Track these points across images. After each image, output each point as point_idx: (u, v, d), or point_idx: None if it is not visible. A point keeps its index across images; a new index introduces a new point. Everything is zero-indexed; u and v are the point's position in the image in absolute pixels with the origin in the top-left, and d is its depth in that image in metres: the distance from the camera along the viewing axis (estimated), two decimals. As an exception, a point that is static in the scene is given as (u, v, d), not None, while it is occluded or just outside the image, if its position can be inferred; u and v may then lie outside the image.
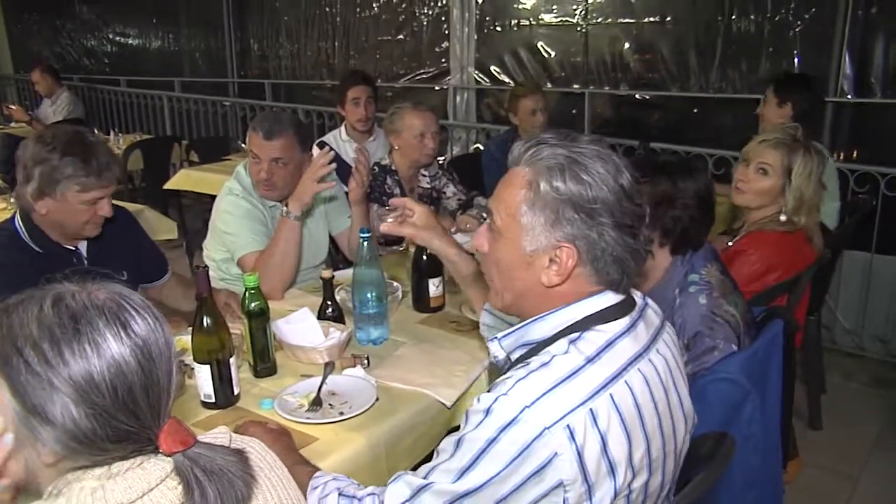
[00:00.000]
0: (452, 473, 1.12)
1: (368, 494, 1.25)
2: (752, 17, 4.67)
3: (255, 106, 6.90)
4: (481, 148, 5.14)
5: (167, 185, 5.29)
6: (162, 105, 7.76)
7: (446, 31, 5.98)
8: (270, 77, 7.48)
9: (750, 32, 4.70)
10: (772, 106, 3.29)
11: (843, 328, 4.01)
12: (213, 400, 1.72)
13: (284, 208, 2.39)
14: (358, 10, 6.66)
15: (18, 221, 2.10)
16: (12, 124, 7.33)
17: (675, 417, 1.25)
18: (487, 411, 1.10)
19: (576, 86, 5.43)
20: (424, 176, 3.32)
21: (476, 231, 1.34)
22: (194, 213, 6.05)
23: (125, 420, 0.89)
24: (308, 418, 1.64)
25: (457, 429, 1.90)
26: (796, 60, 4.58)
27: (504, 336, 1.30)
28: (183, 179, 5.16)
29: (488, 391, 1.15)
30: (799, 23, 4.52)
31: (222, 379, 1.72)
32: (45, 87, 7.13)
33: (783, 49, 4.61)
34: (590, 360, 1.14)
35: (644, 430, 1.16)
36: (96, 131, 6.35)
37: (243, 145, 6.04)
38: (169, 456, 0.92)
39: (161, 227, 4.07)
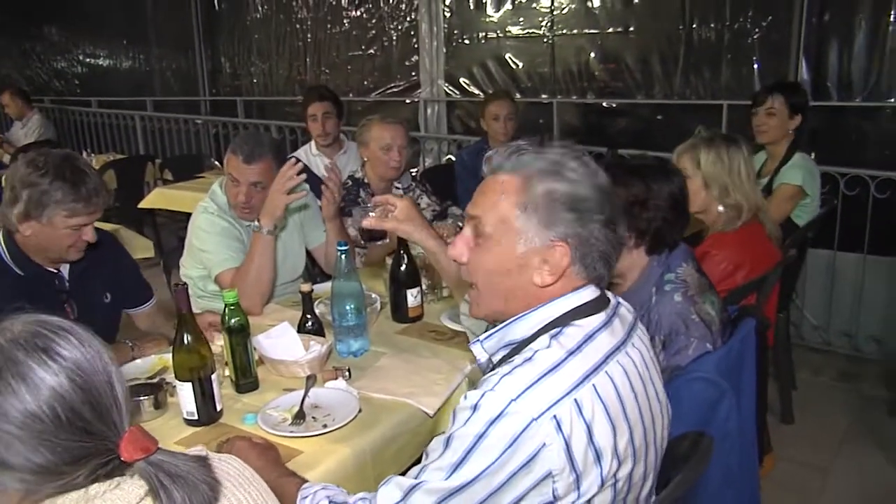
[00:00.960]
0: (444, 471, 1.12)
1: (359, 500, 1.24)
2: (712, 25, 4.75)
3: (227, 123, 6.85)
4: (453, 159, 5.15)
5: (142, 204, 5.23)
6: (134, 124, 7.66)
7: (415, 45, 5.99)
8: (242, 94, 7.42)
9: (710, 40, 4.79)
10: (782, 117, 3.22)
11: (810, 324, 4.05)
12: (195, 417, 1.70)
13: (256, 223, 2.37)
14: (328, 26, 6.64)
15: (1, 243, 2.05)
16: (-17, 148, 7.20)
17: (654, 408, 1.27)
18: (475, 407, 1.11)
19: (544, 96, 5.48)
20: (398, 188, 3.30)
21: (452, 242, 1.33)
22: (169, 230, 5.97)
23: (78, 439, 0.88)
24: (292, 432, 1.62)
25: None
26: (755, 66, 4.66)
27: (486, 337, 1.31)
28: (157, 198, 5.10)
29: (475, 388, 1.16)
30: (757, 30, 4.61)
31: (204, 395, 1.69)
32: (14, 109, 7.01)
33: (742, 56, 4.69)
34: (571, 353, 1.16)
35: (626, 419, 1.18)
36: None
37: (217, 163, 5.99)
38: (131, 464, 0.91)
39: (137, 246, 3.99)
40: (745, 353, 1.83)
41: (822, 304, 4.00)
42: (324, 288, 2.48)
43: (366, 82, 6.50)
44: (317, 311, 2.16)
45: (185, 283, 1.68)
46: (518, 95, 5.40)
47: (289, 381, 1.89)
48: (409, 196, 3.29)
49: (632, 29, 5.06)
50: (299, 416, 1.68)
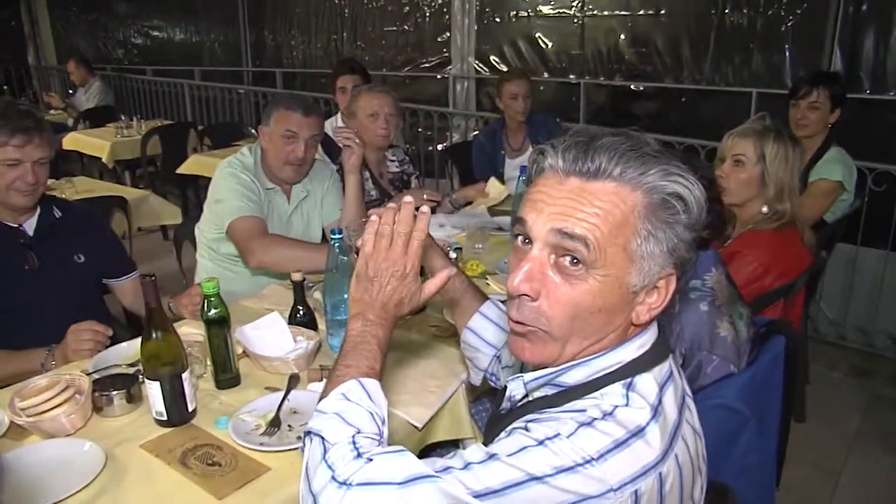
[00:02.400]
0: (470, 484, 0.82)
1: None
2: (745, 10, 4.30)
3: (266, 93, 6.58)
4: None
5: (179, 170, 5.05)
6: (183, 92, 7.45)
7: (448, 22, 5.66)
8: (283, 66, 7.17)
9: (742, 26, 4.34)
10: (825, 111, 2.86)
11: (826, 318, 3.70)
12: (165, 417, 1.43)
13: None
14: (365, 1, 6.33)
15: None
16: (52, 111, 7.15)
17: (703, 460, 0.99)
18: (541, 443, 0.83)
19: (572, 76, 5.10)
20: (392, 160, 3.01)
21: (517, 272, 0.90)
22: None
23: None
24: (262, 444, 1.34)
25: (435, 447, 1.63)
26: (787, 55, 4.22)
27: (534, 379, 0.98)
28: (193, 164, 4.93)
29: (532, 421, 0.89)
30: (791, 18, 4.16)
31: (175, 395, 1.42)
32: (79, 76, 7.07)
33: (774, 43, 4.25)
34: (655, 415, 0.88)
35: (692, 489, 0.92)
36: (122, 117, 6.07)
37: (254, 131, 5.75)
38: None
39: (165, 213, 3.80)
40: (771, 378, 1.50)
41: (841, 299, 3.65)
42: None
43: (399, 57, 6.19)
44: (312, 299, 1.87)
45: (152, 276, 1.39)
46: (546, 75, 5.07)
47: (272, 377, 1.61)
48: (405, 169, 2.99)
49: (663, 12, 4.63)
50: (274, 424, 1.40)
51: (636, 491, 0.82)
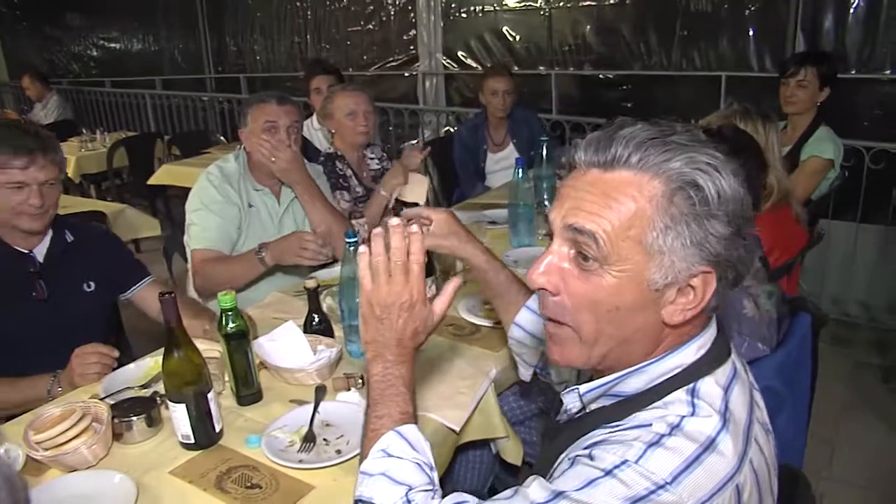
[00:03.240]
0: None
1: None
2: (708, -4, 4.34)
3: (231, 99, 6.44)
4: (452, 131, 4.75)
5: (150, 181, 4.86)
6: (145, 103, 7.24)
7: (413, 20, 5.59)
8: (246, 71, 7.00)
9: (707, 12, 4.36)
10: (813, 89, 2.84)
11: (803, 290, 3.74)
12: (192, 441, 1.34)
13: (264, 253, 2.03)
14: (328, 2, 6.21)
15: None
16: (8, 129, 6.84)
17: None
18: (608, 473, 0.77)
19: (541, 68, 5.07)
20: (372, 158, 2.94)
21: (538, 264, 0.86)
22: (180, 204, 5.54)
23: None
24: (301, 461, 1.25)
25: (466, 447, 1.56)
26: (752, 38, 4.26)
27: (589, 390, 0.91)
28: (165, 174, 4.72)
29: (597, 442, 0.81)
30: (753, 2, 4.19)
31: (201, 415, 1.33)
32: (34, 91, 6.79)
33: (739, 27, 4.29)
34: (725, 422, 0.80)
35: (771, 492, 0.86)
36: (84, 131, 5.86)
37: (223, 139, 5.59)
38: None
39: (143, 225, 3.65)
40: (801, 357, 1.48)
41: (815, 272, 3.68)
42: (329, 273, 2.11)
43: (365, 57, 6.10)
44: (326, 303, 1.79)
45: (172, 293, 1.30)
46: (516, 68, 5.03)
47: (295, 389, 1.53)
48: (384, 165, 2.91)
49: (627, 1, 4.63)
50: (308, 439, 1.32)
51: None
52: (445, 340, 1.74)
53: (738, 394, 0.85)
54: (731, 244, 0.80)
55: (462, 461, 1.68)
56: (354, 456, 1.25)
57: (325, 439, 1.33)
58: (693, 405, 0.81)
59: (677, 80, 4.62)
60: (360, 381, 1.51)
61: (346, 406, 1.42)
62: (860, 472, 2.53)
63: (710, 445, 0.78)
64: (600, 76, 4.95)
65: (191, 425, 1.32)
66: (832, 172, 2.82)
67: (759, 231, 1.95)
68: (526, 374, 1.41)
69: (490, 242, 2.42)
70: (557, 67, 4.98)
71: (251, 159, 2.28)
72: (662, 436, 0.78)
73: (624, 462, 0.76)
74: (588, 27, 4.83)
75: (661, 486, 0.75)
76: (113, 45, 8.63)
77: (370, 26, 5.96)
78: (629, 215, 0.79)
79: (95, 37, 8.78)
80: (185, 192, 2.36)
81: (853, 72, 3.93)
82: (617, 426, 0.84)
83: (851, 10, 3.89)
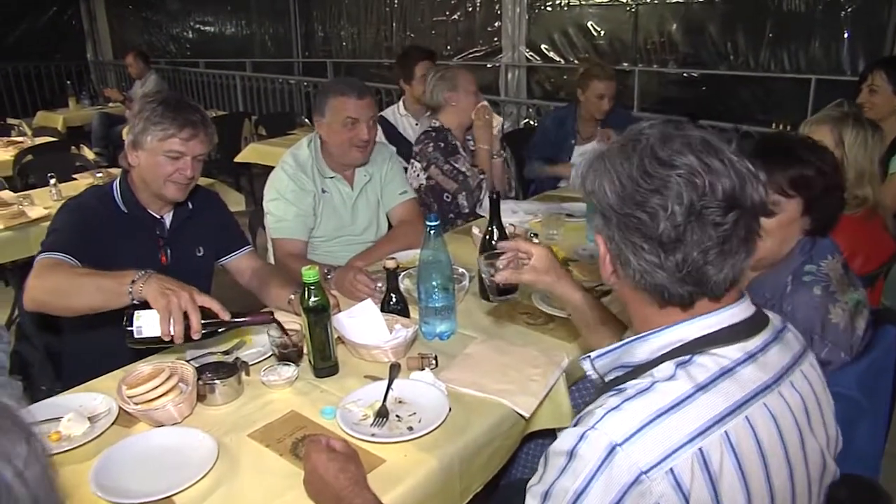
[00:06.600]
0: None
1: None
2: (803, -3, 4.12)
3: (317, 83, 6.54)
4: (532, 124, 4.68)
5: (237, 158, 5.01)
6: (235, 84, 7.45)
7: (498, 12, 5.55)
8: (332, 57, 7.11)
9: (800, 12, 4.14)
10: (885, 93, 2.69)
11: (884, 306, 3.52)
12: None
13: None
14: (415, -9, 6.25)
15: (116, 183, 1.86)
16: (110, 104, 7.20)
17: (811, 466, 0.88)
18: (571, 454, 0.80)
19: (625, 63, 4.93)
20: (469, 140, 2.94)
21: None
22: (264, 181, 5.68)
23: None
24: (374, 435, 1.26)
25: (533, 435, 1.54)
26: (846, 41, 4.02)
27: (598, 356, 0.95)
28: (251, 153, 4.86)
29: (574, 425, 0.83)
30: (850, 4, 3.95)
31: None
32: (136, 70, 7.04)
33: (833, 29, 4.05)
34: (701, 389, 0.82)
35: (768, 479, 0.81)
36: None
37: (307, 120, 5.69)
38: None
39: (230, 200, 3.71)
40: (883, 369, 1.39)
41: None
42: (407, 256, 2.11)
43: (448, 47, 6.11)
44: (404, 284, 1.79)
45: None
46: (597, 63, 4.89)
47: (370, 365, 1.54)
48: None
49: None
50: (381, 414, 1.32)
51: (672, 469, 0.76)
52: (519, 328, 1.72)
53: (749, 374, 0.84)
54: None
55: (527, 449, 1.66)
56: (426, 433, 1.26)
57: (397, 416, 1.33)
58: (675, 374, 0.83)
59: (764, 81, 4.41)
60: (434, 361, 1.51)
61: (419, 384, 1.42)
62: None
63: (672, 408, 0.79)
64: (684, 74, 4.78)
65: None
66: None
67: (839, 233, 1.87)
68: None
69: (564, 234, 2.39)
70: (641, 64, 4.84)
71: (326, 147, 2.30)
72: (627, 399, 0.81)
73: (581, 437, 0.80)
74: (675, 25, 4.68)
75: (617, 446, 0.77)
76: (207, 28, 8.96)
77: (455, 16, 5.95)
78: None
79: (192, 20, 9.14)
80: (269, 170, 2.42)
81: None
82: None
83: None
